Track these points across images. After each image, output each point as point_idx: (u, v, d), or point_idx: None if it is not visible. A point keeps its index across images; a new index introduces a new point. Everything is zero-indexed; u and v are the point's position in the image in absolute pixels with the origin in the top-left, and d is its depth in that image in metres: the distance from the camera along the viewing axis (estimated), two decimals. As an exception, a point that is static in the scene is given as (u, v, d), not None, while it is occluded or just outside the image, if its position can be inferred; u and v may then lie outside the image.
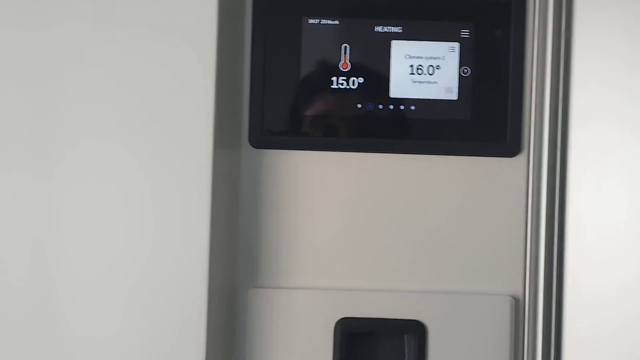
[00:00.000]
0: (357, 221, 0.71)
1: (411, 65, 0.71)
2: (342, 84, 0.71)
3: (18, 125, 0.63)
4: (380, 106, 0.71)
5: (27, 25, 0.63)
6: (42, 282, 0.63)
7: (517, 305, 0.71)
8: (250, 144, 0.71)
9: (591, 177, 0.67)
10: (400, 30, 0.70)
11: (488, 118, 0.71)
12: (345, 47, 0.71)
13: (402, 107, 0.71)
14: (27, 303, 0.63)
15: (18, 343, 0.63)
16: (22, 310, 0.63)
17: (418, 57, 0.71)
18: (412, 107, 0.71)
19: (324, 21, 0.70)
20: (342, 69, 0.71)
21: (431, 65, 0.71)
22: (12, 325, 0.63)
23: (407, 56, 0.71)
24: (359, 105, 0.71)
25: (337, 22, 0.70)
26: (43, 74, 0.63)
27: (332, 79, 0.71)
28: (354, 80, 0.71)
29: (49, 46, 0.63)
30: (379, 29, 0.70)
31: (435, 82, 0.71)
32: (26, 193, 0.63)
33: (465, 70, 0.71)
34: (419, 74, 0.71)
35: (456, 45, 0.71)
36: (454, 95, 0.71)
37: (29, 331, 0.63)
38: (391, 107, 0.71)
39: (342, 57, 0.71)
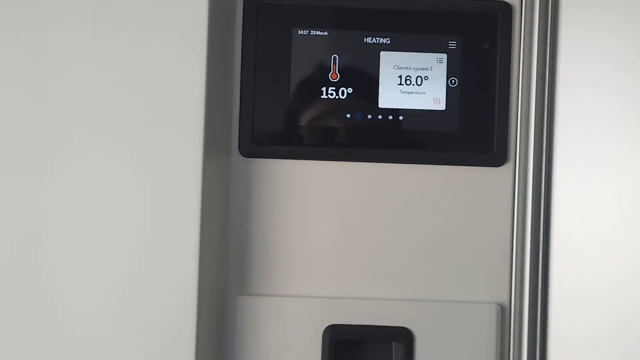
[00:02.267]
0: (346, 230, 0.72)
1: (400, 76, 0.71)
2: (331, 94, 0.71)
3: (10, 125, 0.63)
4: (369, 116, 0.71)
5: (19, 25, 0.64)
6: (32, 283, 0.63)
7: (503, 313, 0.71)
8: (240, 153, 0.71)
9: (576, 187, 0.68)
10: (388, 42, 0.71)
11: (475, 128, 0.72)
12: (335, 57, 0.71)
13: (390, 117, 0.71)
14: (16, 303, 0.64)
15: (8, 342, 0.64)
16: (11, 310, 0.64)
17: (406, 68, 0.71)
18: (401, 117, 0.71)
19: (313, 32, 0.71)
20: (331, 79, 0.71)
21: (419, 76, 0.71)
22: (3, 324, 0.64)
23: (396, 67, 0.71)
24: (348, 115, 0.72)
25: (326, 33, 0.71)
26: (27, 78, 0.63)
27: (321, 89, 0.71)
28: (343, 91, 0.71)
29: (34, 48, 0.63)
30: (368, 40, 0.71)
31: (423, 93, 0.71)
32: (15, 193, 0.63)
33: (453, 81, 0.72)
34: (408, 85, 0.71)
35: (444, 56, 0.71)
36: (441, 106, 0.72)
37: (19, 331, 0.64)
38: (380, 117, 0.71)
39: (332, 68, 0.71)
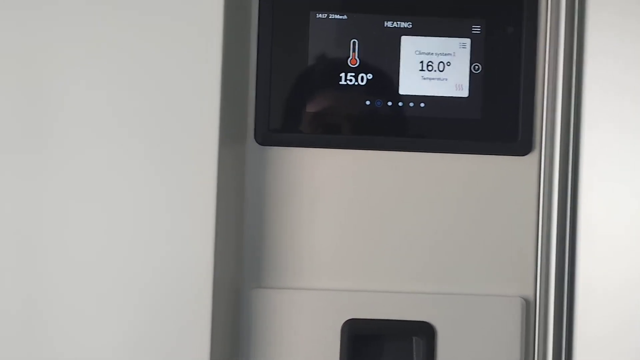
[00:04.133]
0: (365, 220, 0.70)
1: (421, 62, 0.69)
2: (350, 80, 0.69)
3: (19, 121, 0.62)
4: (390, 103, 0.69)
5: (33, 20, 0.62)
6: (43, 282, 0.62)
7: (528, 306, 0.70)
8: (256, 141, 0.69)
9: (603, 177, 0.67)
10: (410, 26, 0.69)
11: (499, 116, 0.70)
12: (354, 42, 0.69)
13: (411, 105, 0.69)
14: (28, 303, 0.62)
15: (20, 338, 0.62)
16: (24, 306, 0.63)
17: (428, 53, 0.69)
18: (422, 105, 0.69)
19: (332, 16, 0.69)
20: (350, 65, 0.69)
21: (441, 62, 0.69)
22: (13, 324, 0.62)
23: (417, 52, 0.69)
24: (368, 102, 0.70)
25: (345, 16, 0.69)
26: (51, 70, 0.62)
27: (340, 75, 0.69)
28: (362, 77, 0.69)
29: (57, 41, 0.62)
30: (388, 24, 0.69)
31: (446, 79, 0.69)
32: (29, 189, 0.62)
33: (476, 67, 0.69)
34: (429, 71, 0.69)
35: (467, 41, 0.69)
36: (464, 93, 0.69)
37: (32, 326, 0.63)
38: (400, 104, 0.69)
39: (351, 53, 0.69)
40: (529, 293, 0.70)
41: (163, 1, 0.62)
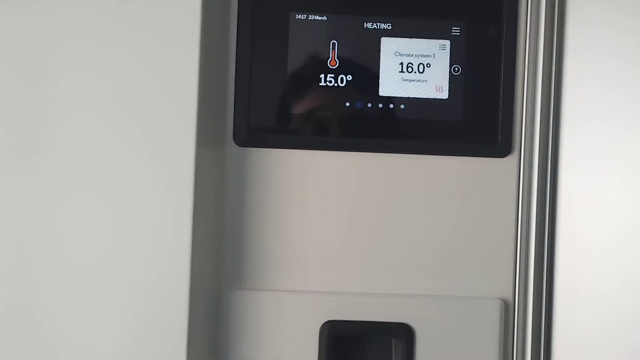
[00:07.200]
0: (345, 222, 0.70)
1: (401, 63, 0.69)
2: (330, 82, 0.69)
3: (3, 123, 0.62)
4: (370, 104, 0.69)
5: (16, 24, 0.62)
6: (20, 282, 0.62)
7: (506, 308, 0.70)
8: (236, 142, 0.69)
9: (583, 178, 0.67)
10: (390, 27, 0.69)
11: (479, 117, 0.70)
12: (334, 43, 0.69)
13: (391, 106, 0.69)
14: (6, 300, 0.62)
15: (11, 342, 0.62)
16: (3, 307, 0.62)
17: (408, 55, 0.69)
18: (402, 106, 0.69)
19: (311, 17, 0.69)
20: (330, 66, 0.69)
21: (421, 63, 0.69)
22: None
23: (397, 53, 0.69)
24: (348, 103, 0.69)
25: (325, 17, 0.69)
26: (22, 75, 0.62)
27: (320, 76, 0.69)
28: (342, 78, 0.69)
29: (29, 47, 0.62)
30: (368, 25, 0.69)
31: (425, 81, 0.69)
32: (9, 190, 0.62)
33: (456, 68, 0.69)
34: (409, 72, 0.69)
35: (447, 42, 0.69)
36: (444, 94, 0.69)
37: (10, 327, 0.62)
38: (380, 105, 0.69)
39: (331, 54, 0.69)
40: (507, 295, 0.70)
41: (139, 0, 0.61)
